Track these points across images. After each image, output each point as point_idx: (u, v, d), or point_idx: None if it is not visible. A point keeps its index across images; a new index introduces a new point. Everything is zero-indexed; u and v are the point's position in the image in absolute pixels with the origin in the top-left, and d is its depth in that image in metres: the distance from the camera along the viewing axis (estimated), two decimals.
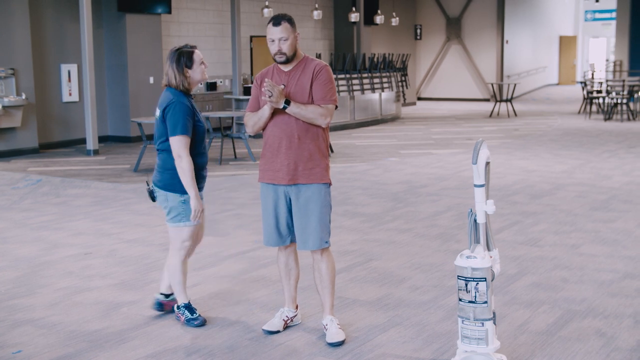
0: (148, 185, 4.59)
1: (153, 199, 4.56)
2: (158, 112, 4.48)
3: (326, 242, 4.34)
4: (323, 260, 4.38)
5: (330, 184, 4.38)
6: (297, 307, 4.62)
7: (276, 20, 4.22)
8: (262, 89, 4.19)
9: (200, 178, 4.55)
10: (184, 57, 4.42)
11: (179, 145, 4.36)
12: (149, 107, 14.08)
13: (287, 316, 4.54)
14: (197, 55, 4.46)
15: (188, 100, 4.44)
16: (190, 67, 4.44)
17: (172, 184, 4.45)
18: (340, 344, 4.28)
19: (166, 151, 4.47)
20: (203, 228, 4.77)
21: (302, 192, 4.30)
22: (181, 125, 4.35)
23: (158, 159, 4.54)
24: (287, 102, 4.19)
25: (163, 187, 4.48)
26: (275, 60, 4.29)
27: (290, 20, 4.25)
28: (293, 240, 4.45)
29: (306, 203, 4.29)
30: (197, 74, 4.47)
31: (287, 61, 4.26)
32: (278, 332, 4.48)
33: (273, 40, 4.22)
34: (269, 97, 4.14)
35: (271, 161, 4.32)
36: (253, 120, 4.34)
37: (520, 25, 27.00)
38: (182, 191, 4.43)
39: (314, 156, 4.28)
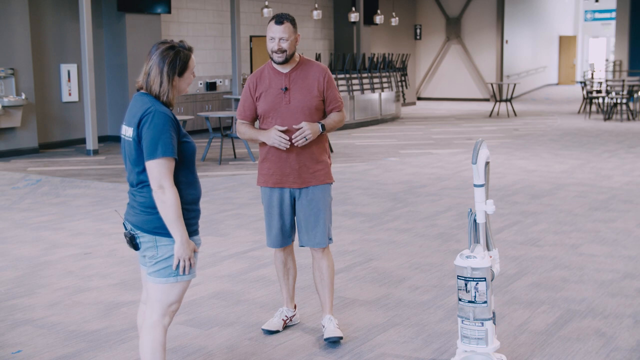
0: (126, 227, 3.33)
1: (136, 246, 3.29)
2: (130, 130, 3.23)
3: (330, 238, 4.37)
4: (324, 258, 4.37)
5: (332, 182, 4.41)
6: (295, 307, 4.61)
7: (279, 19, 4.17)
8: (295, 140, 4.16)
9: (193, 215, 3.34)
10: (179, 61, 3.24)
11: (160, 171, 3.13)
12: None
13: (286, 316, 4.54)
14: (193, 61, 3.32)
15: (169, 110, 3.27)
16: (181, 75, 3.27)
17: (164, 225, 3.21)
18: (337, 339, 4.27)
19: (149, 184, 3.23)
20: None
21: (310, 192, 4.29)
22: (163, 143, 3.13)
23: (138, 195, 3.28)
24: (323, 127, 4.24)
25: (152, 231, 3.24)
26: (272, 59, 4.23)
27: (292, 21, 4.21)
28: (293, 240, 4.46)
29: (314, 203, 4.29)
30: (184, 85, 3.31)
31: (286, 61, 4.21)
32: (277, 331, 4.47)
33: (273, 39, 4.15)
34: (306, 140, 4.17)
35: (277, 165, 4.26)
36: (246, 136, 4.34)
37: (520, 25, 27.01)
38: None
39: (320, 157, 4.30)
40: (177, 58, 3.22)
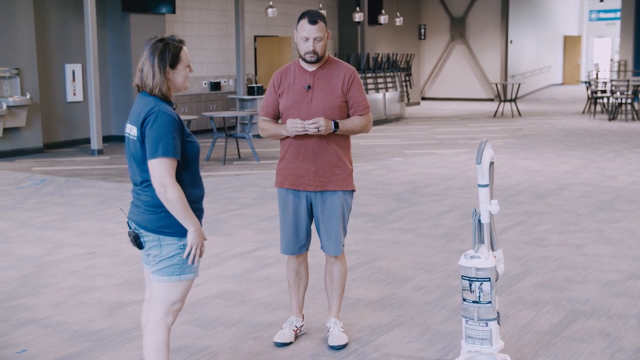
0: (130, 226, 3.35)
1: (140, 245, 3.31)
2: (134, 129, 3.25)
3: (343, 245, 4.25)
4: (337, 263, 4.28)
5: (354, 191, 4.25)
6: (303, 317, 4.48)
7: (312, 18, 4.00)
8: (308, 128, 4.00)
9: (196, 215, 3.30)
10: (169, 52, 3.24)
11: (161, 169, 3.15)
12: None
13: (296, 326, 4.40)
14: (185, 54, 3.30)
15: (172, 109, 3.29)
16: (174, 67, 3.26)
17: (169, 224, 3.24)
18: (341, 347, 4.24)
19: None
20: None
21: (327, 198, 4.15)
22: (164, 143, 3.15)
23: (142, 194, 3.29)
24: (336, 125, 4.06)
25: (155, 230, 3.26)
26: (304, 59, 4.09)
27: (324, 20, 4.06)
28: (307, 249, 4.34)
29: (331, 210, 4.15)
30: (180, 79, 3.31)
31: (318, 61, 4.07)
32: (290, 343, 4.33)
33: (307, 39, 3.99)
34: (318, 131, 4.01)
35: (294, 166, 4.13)
36: (268, 132, 4.19)
37: (524, 25, 26.97)
38: (182, 234, 3.26)
39: (339, 162, 4.15)
40: (166, 50, 3.23)
